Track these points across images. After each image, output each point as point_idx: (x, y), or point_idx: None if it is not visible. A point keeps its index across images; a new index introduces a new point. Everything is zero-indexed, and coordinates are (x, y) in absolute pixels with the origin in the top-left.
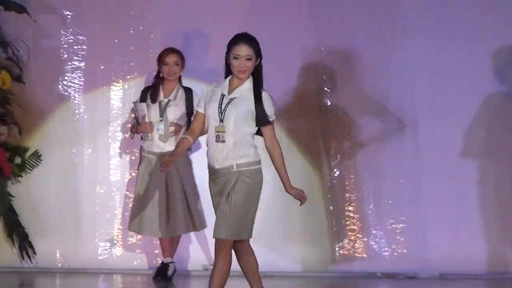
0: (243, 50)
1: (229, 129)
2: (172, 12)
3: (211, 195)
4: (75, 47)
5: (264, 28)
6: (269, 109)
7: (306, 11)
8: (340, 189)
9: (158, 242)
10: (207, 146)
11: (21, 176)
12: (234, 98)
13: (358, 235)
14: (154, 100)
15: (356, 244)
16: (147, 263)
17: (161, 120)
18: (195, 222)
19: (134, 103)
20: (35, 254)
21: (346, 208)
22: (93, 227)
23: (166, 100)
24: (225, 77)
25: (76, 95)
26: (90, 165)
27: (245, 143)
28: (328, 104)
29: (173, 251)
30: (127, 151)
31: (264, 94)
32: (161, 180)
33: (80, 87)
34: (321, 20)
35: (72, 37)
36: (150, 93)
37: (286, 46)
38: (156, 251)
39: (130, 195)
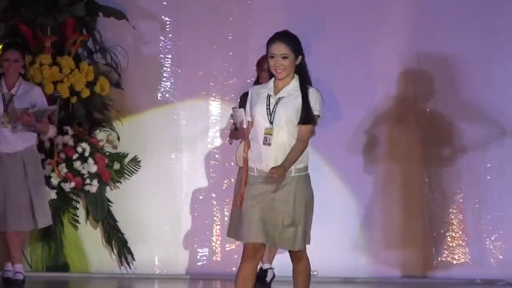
0: (278, 48)
1: (281, 131)
2: (271, 18)
3: (252, 194)
4: (174, 53)
5: (362, 35)
6: (315, 106)
7: (405, 17)
8: (440, 195)
9: None
10: (252, 149)
11: (120, 182)
12: (282, 97)
13: (458, 241)
14: None
15: (455, 250)
16: None
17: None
18: None
19: (233, 108)
20: (134, 260)
21: (445, 214)
22: (191, 233)
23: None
24: (269, 78)
25: (175, 101)
26: (189, 171)
27: None
28: (427, 110)
29: (271, 257)
30: (226, 157)
31: (312, 90)
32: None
33: (178, 93)
34: (420, 26)
35: (171, 43)
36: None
37: (384, 52)
38: None
39: (228, 201)
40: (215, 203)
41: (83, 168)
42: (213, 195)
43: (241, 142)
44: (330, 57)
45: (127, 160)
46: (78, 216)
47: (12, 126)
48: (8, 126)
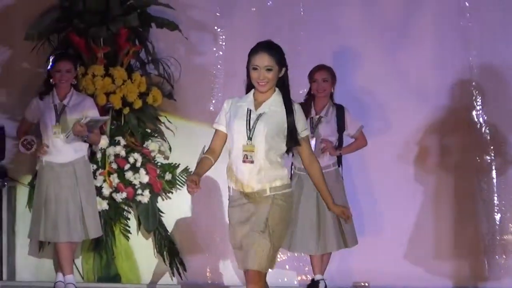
0: (262, 60)
1: (260, 148)
2: (323, 29)
3: (232, 223)
4: (226, 64)
5: (414, 46)
6: (302, 124)
7: (458, 28)
8: (491, 205)
9: (308, 259)
10: (229, 167)
11: (171, 193)
12: (263, 113)
13: (510, 251)
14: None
15: (508, 261)
16: (297, 280)
17: (312, 137)
18: (347, 239)
19: None
20: (185, 270)
21: (498, 224)
22: None
23: (317, 117)
24: (247, 91)
25: None
26: None
27: (277, 163)
28: (479, 120)
29: (323, 268)
30: None
31: (296, 107)
32: (312, 197)
33: None
34: (473, 37)
35: (223, 54)
36: None
37: (436, 62)
38: (306, 268)
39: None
40: None
41: (135, 178)
42: None
43: (292, 153)
44: (381, 68)
45: (178, 170)
46: (129, 227)
47: (64, 136)
48: (60, 137)
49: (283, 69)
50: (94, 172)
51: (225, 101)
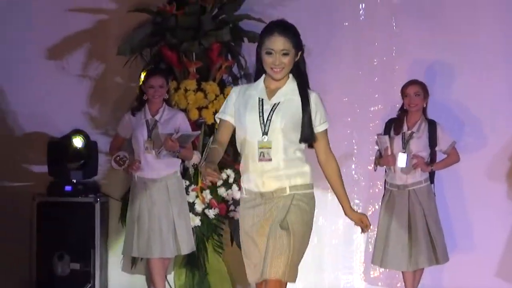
0: (279, 43)
1: (278, 144)
2: (417, 43)
3: (245, 228)
4: (319, 79)
5: (507, 65)
6: (320, 116)
7: None
8: None
9: (401, 275)
10: (244, 166)
11: None
12: (279, 103)
13: None
14: (397, 132)
15: None
16: None
17: (403, 152)
18: (438, 256)
19: (378, 135)
20: None
21: None
22: (335, 259)
23: (409, 132)
24: (255, 78)
25: None
26: (332, 198)
27: (298, 160)
28: None
29: (415, 285)
30: (371, 183)
31: (314, 97)
32: (404, 213)
33: None
34: None
35: (316, 69)
36: (394, 125)
37: None
38: (399, 285)
39: (373, 227)
40: (359, 229)
41: (228, 194)
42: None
43: (385, 169)
44: (473, 77)
45: None
46: (222, 243)
47: (156, 152)
48: (152, 152)
49: (299, 53)
50: (187, 188)
51: (232, 89)
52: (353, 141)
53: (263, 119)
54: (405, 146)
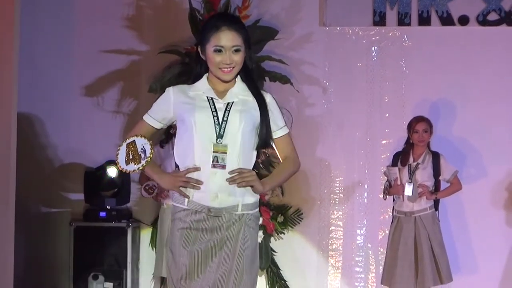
0: (228, 38)
1: (235, 148)
2: (423, 83)
3: (185, 249)
4: (335, 115)
5: (506, 90)
6: (279, 119)
7: None
8: None
9: None
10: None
11: (284, 233)
12: (233, 103)
13: None
14: (404, 164)
15: None
16: None
17: (410, 182)
18: (442, 276)
19: (387, 167)
20: None
21: None
22: (347, 281)
23: (415, 163)
24: (193, 79)
25: (332, 159)
26: (346, 223)
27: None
28: None
29: None
30: (381, 210)
31: (269, 98)
32: (411, 237)
33: (337, 151)
34: None
35: (332, 106)
36: (401, 158)
37: None
38: None
39: (382, 250)
40: (370, 252)
41: None
42: (369, 245)
43: (393, 198)
44: (473, 114)
45: (290, 212)
46: None
47: None
48: None
49: (248, 50)
50: None
51: (167, 89)
52: (366, 171)
53: (217, 119)
54: (411, 177)
